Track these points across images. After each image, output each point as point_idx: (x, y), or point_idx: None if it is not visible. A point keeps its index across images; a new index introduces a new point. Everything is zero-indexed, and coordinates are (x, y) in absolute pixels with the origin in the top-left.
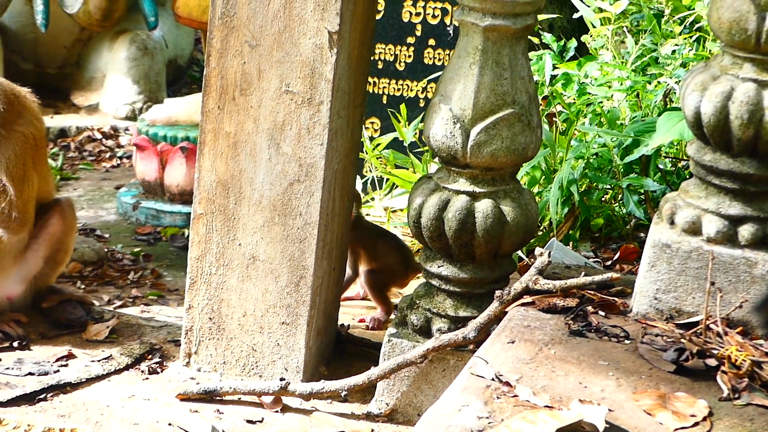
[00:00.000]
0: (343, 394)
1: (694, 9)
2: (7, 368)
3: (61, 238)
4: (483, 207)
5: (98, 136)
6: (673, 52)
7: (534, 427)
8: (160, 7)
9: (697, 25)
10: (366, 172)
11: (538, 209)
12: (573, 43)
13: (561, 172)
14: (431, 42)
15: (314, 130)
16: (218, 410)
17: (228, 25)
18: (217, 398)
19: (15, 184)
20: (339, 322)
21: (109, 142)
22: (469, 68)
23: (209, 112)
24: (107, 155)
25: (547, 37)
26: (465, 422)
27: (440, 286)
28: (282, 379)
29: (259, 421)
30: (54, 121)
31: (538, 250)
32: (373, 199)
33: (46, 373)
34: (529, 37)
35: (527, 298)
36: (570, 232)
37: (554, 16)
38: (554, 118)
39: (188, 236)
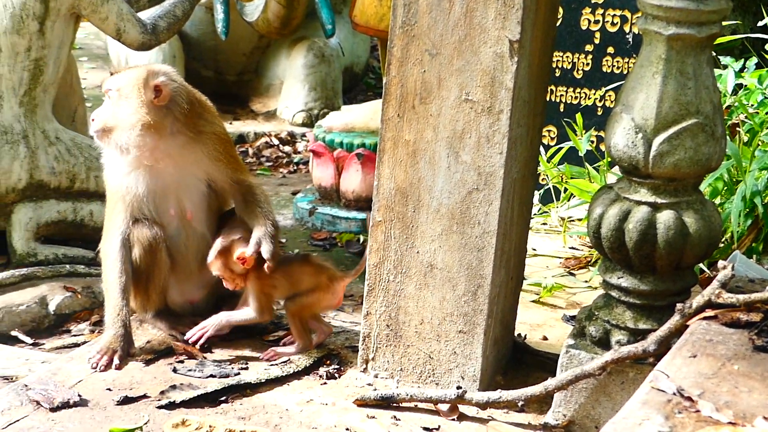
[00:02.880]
0: (519, 404)
1: None
2: (190, 370)
3: None
4: (665, 218)
5: (275, 142)
6: None
7: None
8: (337, 15)
9: None
10: (541, 181)
11: (721, 221)
12: (753, 61)
13: (744, 183)
14: (610, 50)
15: (494, 138)
16: (395, 417)
17: (408, 34)
18: (394, 405)
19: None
20: (516, 332)
21: (286, 148)
22: (651, 77)
23: (389, 120)
24: (284, 161)
25: (727, 60)
26: None
27: (620, 297)
28: (459, 388)
29: (435, 429)
30: (233, 127)
31: (720, 263)
32: (546, 211)
33: (227, 375)
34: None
35: (709, 312)
36: (753, 244)
37: (736, 22)
38: (737, 128)
39: (363, 242)
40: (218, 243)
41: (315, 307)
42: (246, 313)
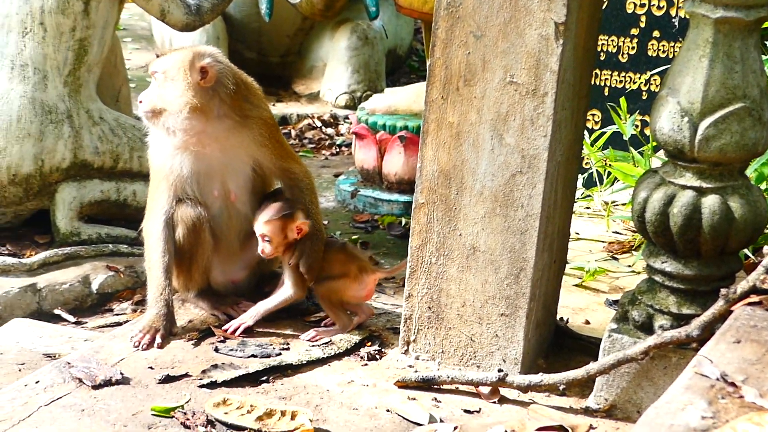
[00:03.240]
0: (561, 388)
1: None
2: (232, 350)
3: None
4: (710, 203)
5: (318, 124)
6: None
7: (760, 429)
8: None
9: None
10: (584, 165)
11: (767, 206)
12: None
13: None
14: (655, 34)
15: (538, 121)
16: (435, 399)
17: (453, 16)
18: (435, 387)
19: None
20: (558, 316)
21: (329, 130)
22: (698, 61)
23: (433, 102)
24: (327, 143)
25: None
26: (688, 421)
27: (663, 282)
28: (500, 371)
29: (476, 411)
30: (276, 109)
31: (766, 249)
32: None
33: (269, 356)
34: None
35: (754, 298)
36: None
37: None
38: None
39: (405, 225)
40: (280, 205)
41: (341, 293)
42: (282, 294)
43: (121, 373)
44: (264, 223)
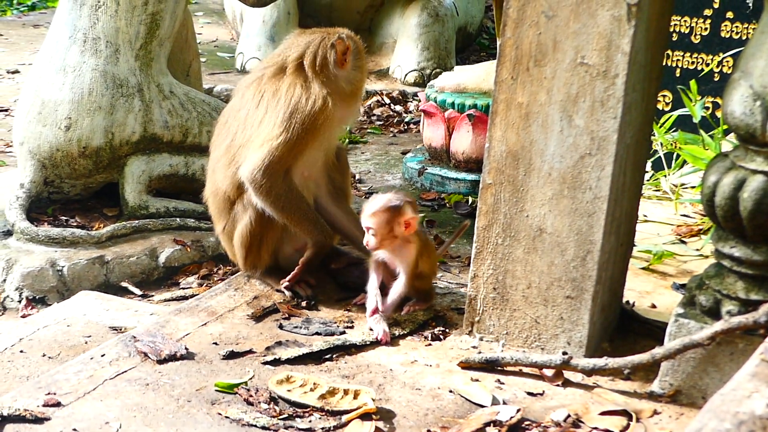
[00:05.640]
0: (625, 372)
1: None
2: (296, 327)
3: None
4: None
5: (387, 101)
6: None
7: None
8: None
9: None
10: (653, 147)
11: None
12: None
13: None
14: (729, 15)
15: (608, 103)
16: (499, 380)
17: None
18: (498, 368)
19: None
20: (624, 299)
21: (397, 108)
22: None
23: (502, 82)
24: (395, 120)
25: None
26: (754, 409)
27: (731, 267)
28: (564, 354)
29: (539, 394)
30: None
31: None
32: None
33: (332, 334)
34: None
35: None
36: None
37: None
38: None
39: (472, 203)
40: (391, 197)
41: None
42: (397, 292)
43: (186, 348)
44: (370, 216)
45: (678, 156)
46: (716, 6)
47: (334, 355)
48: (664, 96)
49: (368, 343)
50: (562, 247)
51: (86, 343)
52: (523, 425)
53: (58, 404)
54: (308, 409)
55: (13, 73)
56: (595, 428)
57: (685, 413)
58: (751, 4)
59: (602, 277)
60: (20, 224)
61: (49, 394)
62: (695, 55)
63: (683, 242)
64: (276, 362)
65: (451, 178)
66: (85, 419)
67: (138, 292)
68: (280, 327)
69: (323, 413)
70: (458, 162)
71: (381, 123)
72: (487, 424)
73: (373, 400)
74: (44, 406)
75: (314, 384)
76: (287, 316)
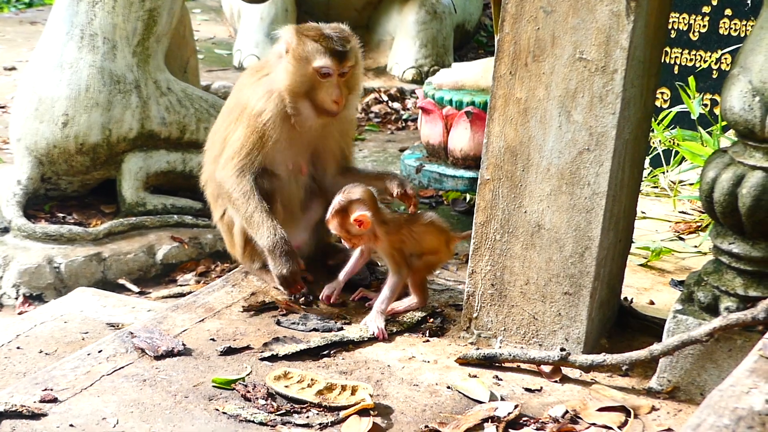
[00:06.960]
0: (624, 368)
1: None
2: (293, 323)
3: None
4: None
5: (384, 98)
6: None
7: None
8: None
9: None
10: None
11: None
12: None
13: None
14: (727, 12)
15: (607, 98)
16: (497, 376)
17: None
18: (496, 364)
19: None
20: (622, 295)
21: (395, 105)
22: None
23: (501, 77)
24: (393, 117)
25: None
26: (753, 405)
27: (730, 263)
28: (563, 350)
29: (537, 390)
30: None
31: None
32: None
33: (330, 330)
34: None
35: None
36: None
37: None
38: None
39: (469, 201)
40: (336, 201)
41: (437, 266)
42: (389, 287)
43: (183, 344)
44: (326, 223)
45: (676, 153)
46: (714, 3)
47: (332, 351)
48: (662, 93)
49: (366, 339)
50: (561, 243)
51: (83, 339)
52: (520, 421)
53: (54, 400)
54: (306, 405)
55: (10, 69)
56: (593, 424)
57: (684, 409)
58: (749, 1)
59: (600, 274)
60: (17, 221)
61: (45, 390)
62: (693, 51)
63: (681, 239)
64: (273, 358)
65: (448, 176)
66: (82, 415)
67: (135, 289)
68: (278, 323)
69: (321, 409)
70: (456, 159)
71: (379, 120)
72: (485, 420)
73: (371, 396)
74: (41, 402)
75: (312, 380)
76: (285, 312)
